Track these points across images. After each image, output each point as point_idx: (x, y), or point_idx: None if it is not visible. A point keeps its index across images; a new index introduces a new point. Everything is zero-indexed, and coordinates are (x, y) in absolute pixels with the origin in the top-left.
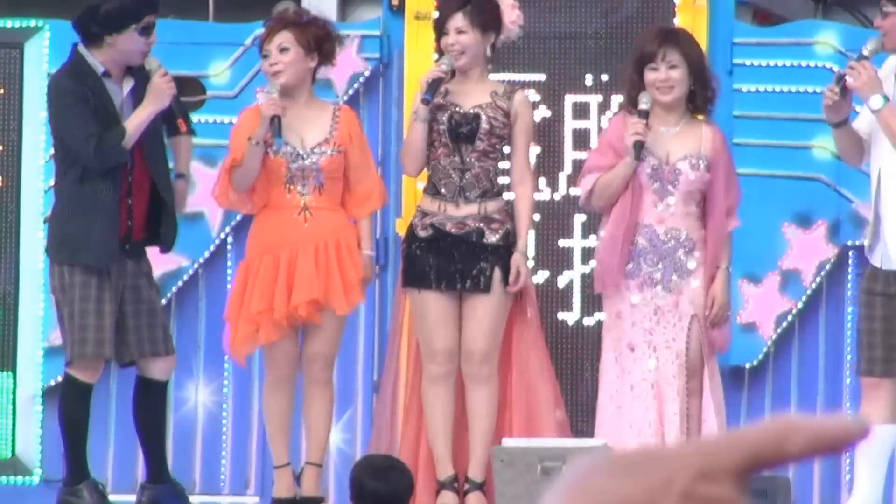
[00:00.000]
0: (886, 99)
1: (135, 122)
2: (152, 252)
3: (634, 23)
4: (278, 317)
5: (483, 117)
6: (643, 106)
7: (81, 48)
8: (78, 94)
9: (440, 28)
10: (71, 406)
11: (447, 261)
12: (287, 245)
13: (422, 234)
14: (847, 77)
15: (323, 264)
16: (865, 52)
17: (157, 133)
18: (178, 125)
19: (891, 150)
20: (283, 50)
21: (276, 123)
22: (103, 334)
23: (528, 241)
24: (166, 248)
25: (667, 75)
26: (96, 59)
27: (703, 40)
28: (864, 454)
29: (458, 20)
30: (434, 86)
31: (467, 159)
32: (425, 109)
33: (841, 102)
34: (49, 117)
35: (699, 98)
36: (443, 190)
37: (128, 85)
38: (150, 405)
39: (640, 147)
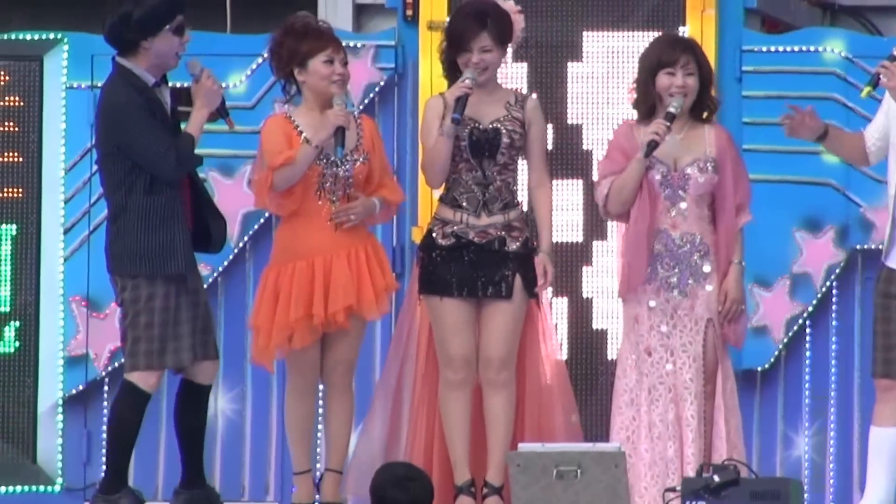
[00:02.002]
0: None
1: (196, 126)
2: None
3: (645, 31)
4: (317, 323)
5: (503, 132)
6: (672, 109)
7: (123, 61)
8: (144, 108)
9: (460, 45)
10: (125, 412)
11: (470, 268)
12: (320, 251)
13: (443, 242)
14: (882, 77)
15: (355, 270)
16: None
17: None
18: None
19: None
20: (345, 64)
21: (340, 135)
22: (181, 343)
23: (551, 243)
24: (218, 247)
25: (684, 81)
26: (143, 70)
27: (712, 48)
28: (876, 456)
29: (484, 39)
30: (462, 103)
31: (489, 174)
32: (453, 127)
33: None
34: (114, 135)
35: (704, 107)
36: (464, 203)
37: (166, 93)
38: (194, 409)
39: (653, 146)
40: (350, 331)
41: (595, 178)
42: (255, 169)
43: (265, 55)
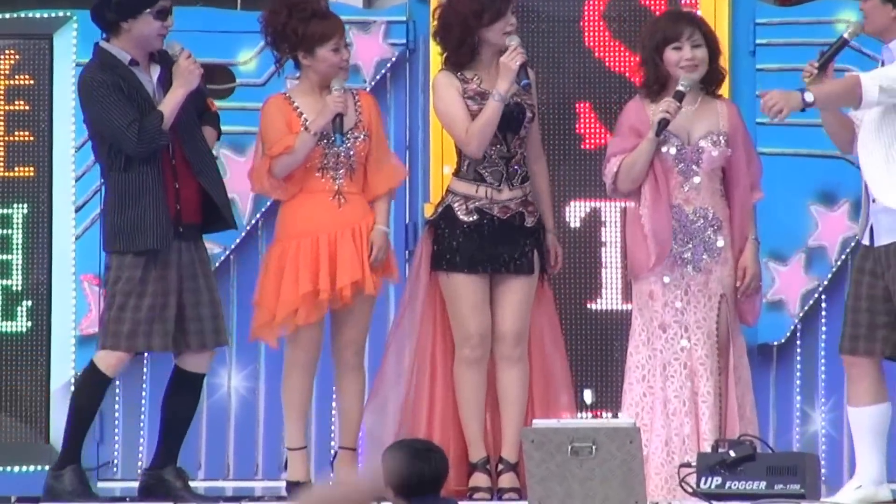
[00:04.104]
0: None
1: (170, 105)
2: None
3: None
4: (323, 299)
5: (525, 106)
6: (681, 88)
7: (103, 43)
8: (111, 84)
9: (498, 14)
10: (85, 392)
11: (493, 244)
12: (324, 228)
13: (466, 218)
14: (804, 76)
15: (360, 247)
16: (846, 35)
17: (191, 118)
18: (207, 105)
19: (875, 135)
20: (347, 46)
21: (338, 121)
22: (137, 328)
23: (554, 221)
24: (227, 227)
25: (692, 54)
26: (120, 49)
27: (725, 21)
28: (859, 435)
29: (510, 4)
30: (525, 67)
31: (513, 147)
32: (508, 91)
33: (821, 78)
34: (86, 114)
35: (713, 78)
36: (488, 178)
37: (154, 72)
38: (181, 396)
39: (664, 125)
40: (357, 311)
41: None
42: (254, 154)
43: (261, 29)
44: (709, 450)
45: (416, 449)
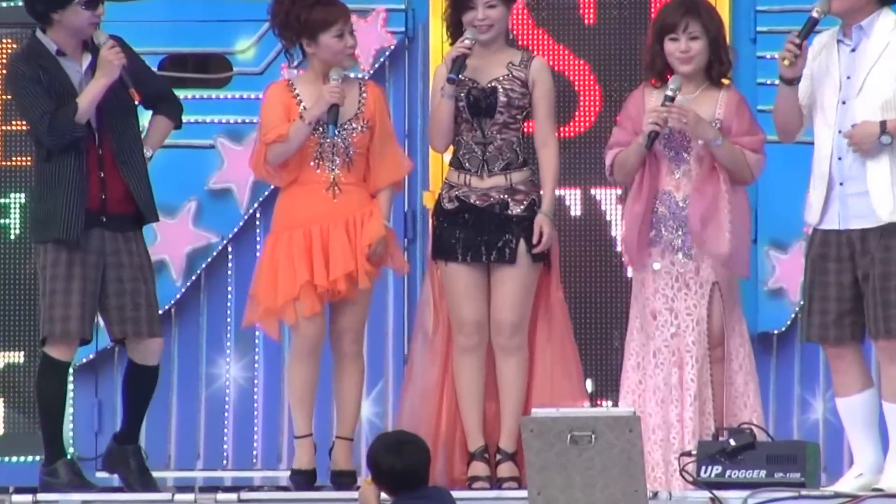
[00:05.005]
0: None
1: (87, 97)
2: (179, 229)
3: None
4: (320, 291)
5: (500, 90)
6: (669, 92)
7: (38, 32)
8: (29, 76)
9: (464, 2)
10: (46, 384)
11: (473, 233)
12: (317, 220)
13: (448, 206)
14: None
15: (353, 238)
16: (815, 14)
17: (122, 106)
18: (130, 96)
19: (841, 114)
20: (352, 33)
21: (333, 112)
22: (69, 312)
23: (553, 204)
24: (149, 220)
25: (687, 46)
26: (49, 39)
27: (726, 8)
28: (851, 425)
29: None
30: (459, 63)
31: (488, 133)
32: (452, 88)
33: (798, 60)
34: (14, 103)
35: (714, 69)
36: (467, 164)
37: (86, 61)
38: (137, 385)
39: (654, 136)
40: (355, 298)
41: None
42: (255, 140)
43: (269, 19)
44: (691, 437)
45: (387, 444)
